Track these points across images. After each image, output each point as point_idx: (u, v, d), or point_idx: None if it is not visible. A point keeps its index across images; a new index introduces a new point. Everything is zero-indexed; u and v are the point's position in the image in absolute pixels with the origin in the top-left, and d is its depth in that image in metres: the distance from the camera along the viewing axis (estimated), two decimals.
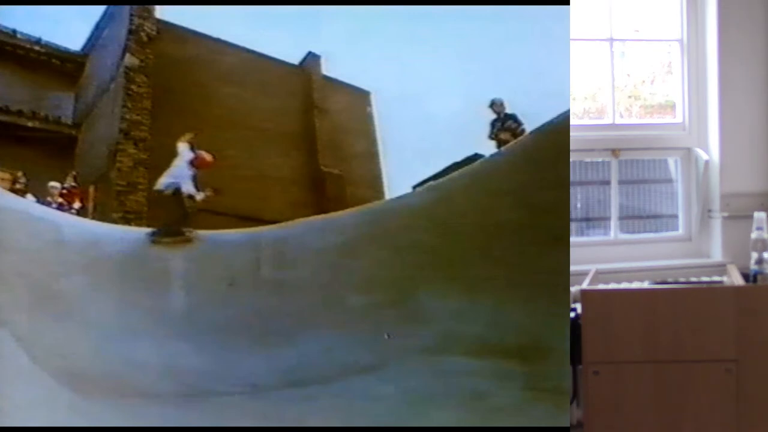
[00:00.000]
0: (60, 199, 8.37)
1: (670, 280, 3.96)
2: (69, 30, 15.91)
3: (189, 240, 6.04)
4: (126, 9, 11.93)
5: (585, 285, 3.14)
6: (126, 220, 9.73)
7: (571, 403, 3.12)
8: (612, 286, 3.71)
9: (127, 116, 10.96)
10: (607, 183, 4.74)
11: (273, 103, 13.64)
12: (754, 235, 3.09)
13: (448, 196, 5.40)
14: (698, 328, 2.83)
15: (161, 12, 12.12)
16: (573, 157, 4.49)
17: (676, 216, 4.64)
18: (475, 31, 25.61)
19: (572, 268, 3.57)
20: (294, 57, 15.14)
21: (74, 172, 9.62)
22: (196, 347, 4.27)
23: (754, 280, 3.03)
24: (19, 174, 8.70)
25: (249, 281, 5.30)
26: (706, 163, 4.52)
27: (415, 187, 7.64)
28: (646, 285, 3.54)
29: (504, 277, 4.12)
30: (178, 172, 6.33)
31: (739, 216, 4.06)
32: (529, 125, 6.44)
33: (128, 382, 3.74)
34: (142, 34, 11.67)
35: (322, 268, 5.27)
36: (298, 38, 20.12)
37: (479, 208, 4.86)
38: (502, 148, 6.29)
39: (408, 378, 3.59)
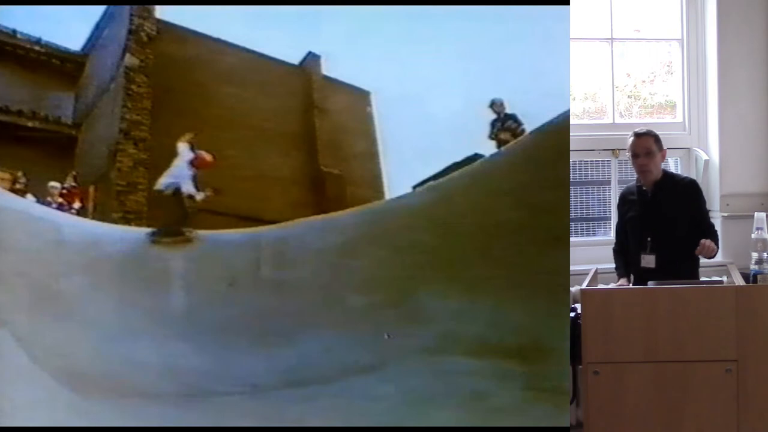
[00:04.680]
0: (60, 199, 8.38)
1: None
2: (69, 30, 15.91)
3: (189, 240, 6.04)
4: (126, 9, 11.92)
5: (585, 285, 3.13)
6: (126, 220, 9.73)
7: (571, 403, 3.12)
8: (612, 286, 3.71)
9: (127, 116, 10.96)
10: (607, 183, 4.74)
11: (273, 103, 13.64)
12: (754, 235, 3.09)
13: (448, 196, 5.40)
14: (698, 328, 2.83)
15: (161, 12, 12.12)
16: (573, 157, 4.49)
17: None
18: (476, 31, 25.60)
19: (572, 268, 3.58)
20: (294, 57, 15.15)
21: (74, 172, 9.62)
22: (196, 347, 4.26)
23: (754, 280, 3.03)
24: (19, 174, 8.71)
25: (249, 281, 5.30)
26: (706, 163, 4.52)
27: (415, 187, 7.63)
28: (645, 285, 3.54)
29: (504, 277, 4.12)
30: (178, 172, 6.33)
31: (739, 216, 4.07)
32: (529, 125, 6.44)
33: (128, 382, 3.74)
34: (142, 34, 11.67)
35: (322, 268, 5.27)
36: (298, 38, 20.09)
37: (479, 208, 4.86)
38: (502, 148, 6.29)
39: (408, 378, 3.58)
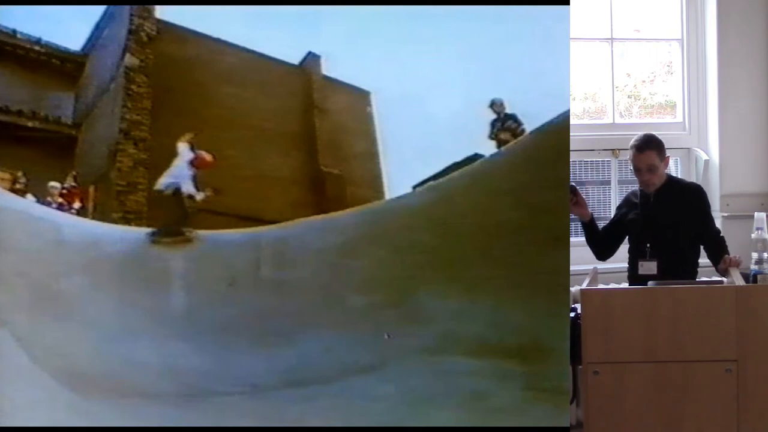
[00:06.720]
0: (60, 199, 8.39)
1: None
2: (69, 30, 15.91)
3: (189, 240, 6.05)
4: (126, 9, 11.93)
5: (585, 285, 3.13)
6: (126, 220, 9.73)
7: (571, 403, 3.12)
8: (612, 286, 3.71)
9: (127, 116, 10.96)
10: (608, 183, 4.74)
11: (273, 103, 13.64)
12: (754, 235, 3.09)
13: (448, 196, 5.40)
14: (698, 328, 2.83)
15: (161, 12, 12.13)
16: (573, 157, 4.49)
17: None
18: (476, 31, 25.58)
19: (572, 268, 3.57)
20: (294, 57, 15.15)
21: (74, 172, 9.63)
22: (196, 347, 4.27)
23: (754, 280, 3.03)
24: (19, 174, 8.72)
25: (249, 281, 5.30)
26: (706, 162, 4.52)
27: (415, 187, 7.63)
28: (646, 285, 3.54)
29: (504, 277, 4.12)
30: (178, 172, 6.34)
31: (739, 216, 4.06)
32: (529, 125, 6.45)
33: (128, 382, 3.74)
34: (142, 34, 11.67)
35: (322, 268, 5.27)
36: (298, 38, 20.06)
37: (479, 208, 4.86)
38: (502, 148, 6.29)
39: (408, 378, 3.58)
